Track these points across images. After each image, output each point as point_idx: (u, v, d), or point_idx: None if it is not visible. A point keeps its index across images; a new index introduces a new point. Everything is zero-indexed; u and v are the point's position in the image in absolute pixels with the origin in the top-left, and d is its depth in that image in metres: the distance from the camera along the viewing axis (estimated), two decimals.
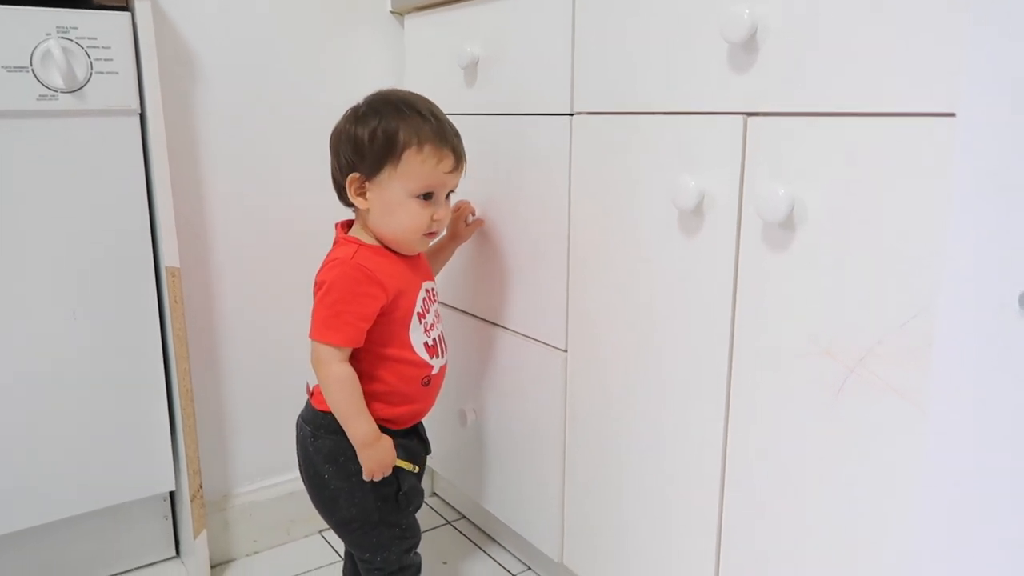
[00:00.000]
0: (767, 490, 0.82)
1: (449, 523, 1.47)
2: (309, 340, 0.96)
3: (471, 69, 1.15)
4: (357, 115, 0.98)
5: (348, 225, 1.03)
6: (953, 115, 0.60)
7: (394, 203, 0.96)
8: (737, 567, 0.87)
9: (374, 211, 0.98)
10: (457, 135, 1.00)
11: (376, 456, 0.98)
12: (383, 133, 0.95)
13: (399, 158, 0.95)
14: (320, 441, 1.00)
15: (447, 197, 1.01)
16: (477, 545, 1.40)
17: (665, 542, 0.95)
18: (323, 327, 0.95)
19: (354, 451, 0.98)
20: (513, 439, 1.20)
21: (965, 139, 0.55)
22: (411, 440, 1.06)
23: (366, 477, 0.98)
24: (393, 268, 0.99)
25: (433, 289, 1.06)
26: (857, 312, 0.71)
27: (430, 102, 1.00)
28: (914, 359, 0.67)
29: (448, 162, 0.97)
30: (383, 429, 1.00)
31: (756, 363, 0.81)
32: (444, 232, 1.13)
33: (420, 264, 1.06)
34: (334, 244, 1.01)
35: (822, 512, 0.76)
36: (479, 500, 1.32)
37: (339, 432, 0.98)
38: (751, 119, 0.77)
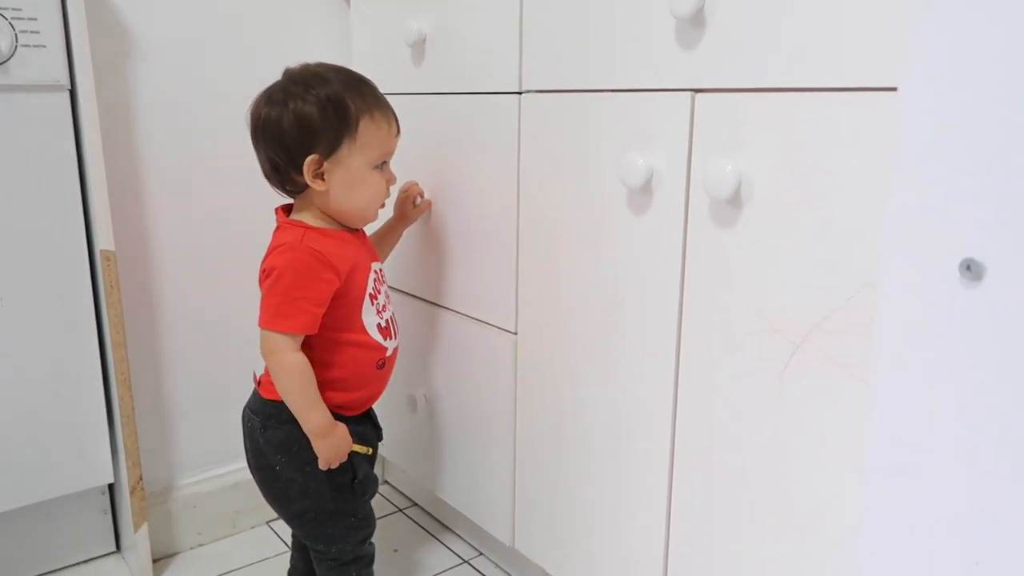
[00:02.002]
0: (717, 468, 0.82)
1: (400, 511, 1.45)
2: (259, 330, 0.93)
3: (418, 47, 1.13)
4: (275, 97, 0.93)
5: (288, 209, 1.00)
6: (894, 89, 0.60)
7: (357, 178, 0.94)
8: (687, 544, 0.87)
9: (334, 190, 0.94)
10: (387, 101, 0.99)
11: (332, 445, 0.95)
12: (333, 106, 0.91)
13: (356, 129, 0.92)
14: (271, 431, 0.97)
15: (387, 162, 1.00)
16: (429, 532, 1.38)
17: (616, 523, 0.95)
18: (275, 315, 0.91)
19: (307, 440, 0.95)
20: (464, 424, 1.19)
21: (907, 112, 0.55)
22: (364, 426, 1.04)
23: (322, 466, 0.96)
24: (343, 249, 0.96)
25: (381, 270, 1.04)
26: (802, 288, 0.71)
27: (345, 68, 0.97)
28: (859, 334, 0.67)
29: (395, 126, 0.97)
30: (336, 416, 0.98)
31: (705, 341, 0.81)
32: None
33: (366, 243, 1.04)
34: (277, 229, 0.98)
35: (771, 489, 0.77)
36: (430, 487, 1.30)
37: (291, 421, 0.95)
38: (699, 95, 0.77)
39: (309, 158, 0.92)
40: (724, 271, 0.78)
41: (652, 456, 0.89)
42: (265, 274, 0.93)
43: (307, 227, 0.95)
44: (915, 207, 0.54)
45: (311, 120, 0.91)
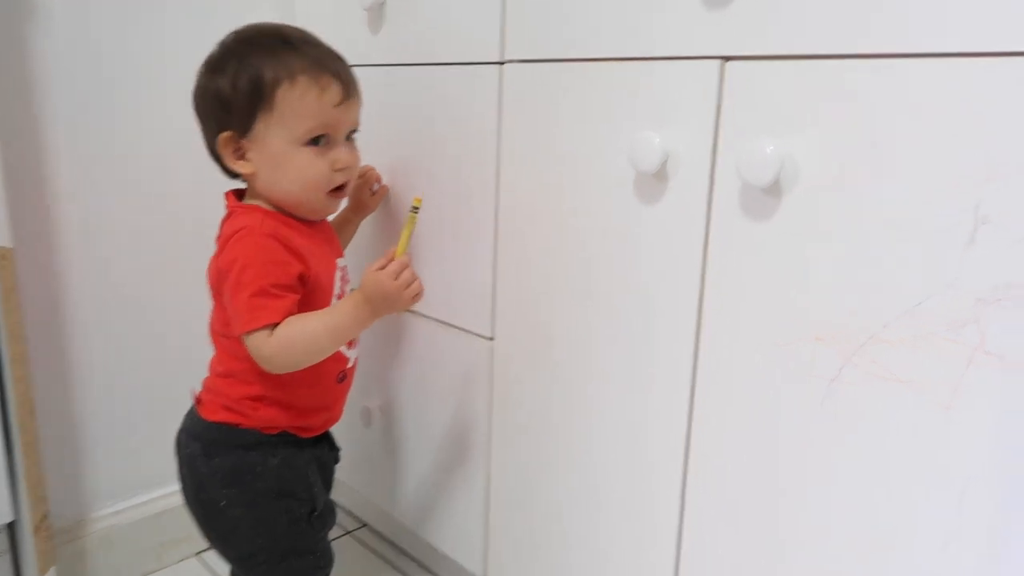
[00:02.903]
0: (741, 498, 0.71)
1: (349, 533, 1.31)
2: (241, 337, 0.77)
3: (376, 11, 0.98)
4: (212, 65, 0.80)
5: (241, 195, 0.85)
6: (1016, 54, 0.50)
7: (280, 157, 0.79)
8: None
9: (261, 173, 0.80)
10: (341, 60, 0.83)
11: (387, 296, 0.78)
12: (245, 76, 0.77)
13: (271, 100, 0.77)
14: (216, 460, 0.82)
15: (350, 139, 0.84)
16: (383, 558, 1.24)
17: (613, 557, 0.84)
18: (251, 312, 0.75)
19: (261, 467, 0.81)
20: (428, 439, 1.05)
21: None
22: (322, 448, 0.90)
23: (408, 305, 0.80)
24: (306, 242, 0.81)
25: (346, 267, 0.90)
26: (855, 292, 0.61)
27: (301, 29, 0.83)
28: (930, 345, 0.57)
29: (333, 92, 0.79)
30: (291, 438, 0.84)
31: (730, 352, 0.70)
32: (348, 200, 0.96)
33: (331, 238, 0.89)
34: (228, 216, 0.83)
35: (807, 527, 0.66)
36: (386, 507, 1.16)
37: (241, 446, 0.81)
38: (729, 64, 0.66)
39: (221, 136, 0.79)
40: (755, 271, 0.67)
41: (661, 483, 0.77)
42: (223, 272, 0.77)
43: (265, 211, 0.81)
44: None
45: (222, 92, 0.78)
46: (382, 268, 0.78)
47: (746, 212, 0.66)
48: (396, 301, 0.78)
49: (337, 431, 0.95)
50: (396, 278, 0.78)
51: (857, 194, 0.60)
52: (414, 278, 0.79)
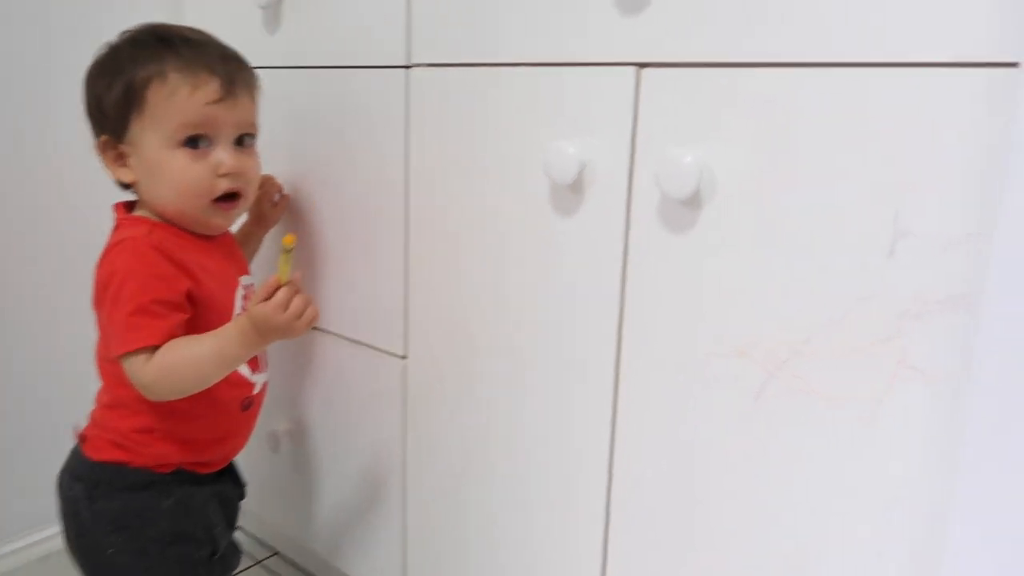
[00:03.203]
0: (665, 516, 0.69)
1: (260, 562, 1.23)
2: (118, 359, 0.70)
3: (272, 10, 0.92)
4: (92, 67, 0.75)
5: (131, 207, 0.78)
6: (949, 65, 0.49)
7: (155, 161, 0.73)
8: None
9: (142, 180, 0.74)
10: (231, 59, 0.77)
11: (275, 328, 0.71)
12: (120, 78, 0.72)
13: (142, 100, 0.71)
14: (100, 503, 0.74)
15: (243, 144, 0.77)
16: None
17: (540, 574, 0.81)
18: (128, 332, 0.69)
19: (151, 512, 0.74)
20: (341, 464, 1.00)
21: None
22: (224, 484, 0.83)
23: (295, 336, 0.73)
24: (200, 257, 0.75)
25: (252, 285, 0.83)
26: (777, 305, 0.59)
27: (196, 30, 0.77)
28: (852, 359, 0.56)
29: (210, 88, 0.73)
30: (188, 476, 0.77)
31: (651, 369, 0.67)
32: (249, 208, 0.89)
33: (233, 254, 0.83)
34: (115, 227, 0.76)
35: (735, 538, 0.65)
36: (298, 535, 1.10)
37: (129, 487, 0.74)
38: (645, 71, 0.63)
39: (98, 141, 0.75)
40: (676, 284, 0.64)
41: (584, 500, 0.74)
42: (102, 285, 0.71)
43: (153, 223, 0.74)
44: None
45: (98, 94, 0.74)
46: (268, 298, 0.71)
47: (665, 224, 0.64)
48: (288, 331, 0.72)
49: (242, 458, 0.88)
50: (285, 309, 0.71)
51: (777, 205, 0.58)
52: (306, 304, 0.72)
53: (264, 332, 0.71)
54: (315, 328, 0.97)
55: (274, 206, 0.94)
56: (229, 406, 0.80)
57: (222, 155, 0.74)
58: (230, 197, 0.76)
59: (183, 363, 0.70)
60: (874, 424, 0.56)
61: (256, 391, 0.83)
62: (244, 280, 0.82)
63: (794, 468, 0.60)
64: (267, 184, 0.92)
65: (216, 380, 0.73)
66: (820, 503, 0.60)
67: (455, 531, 0.87)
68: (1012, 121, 0.44)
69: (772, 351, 0.60)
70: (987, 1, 0.47)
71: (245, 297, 0.81)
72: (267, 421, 1.04)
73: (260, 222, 0.94)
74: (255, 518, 1.25)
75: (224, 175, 0.74)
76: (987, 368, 0.46)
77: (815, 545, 0.60)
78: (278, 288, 0.71)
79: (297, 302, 0.71)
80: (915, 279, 0.53)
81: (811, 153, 0.56)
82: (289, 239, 0.72)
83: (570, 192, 0.69)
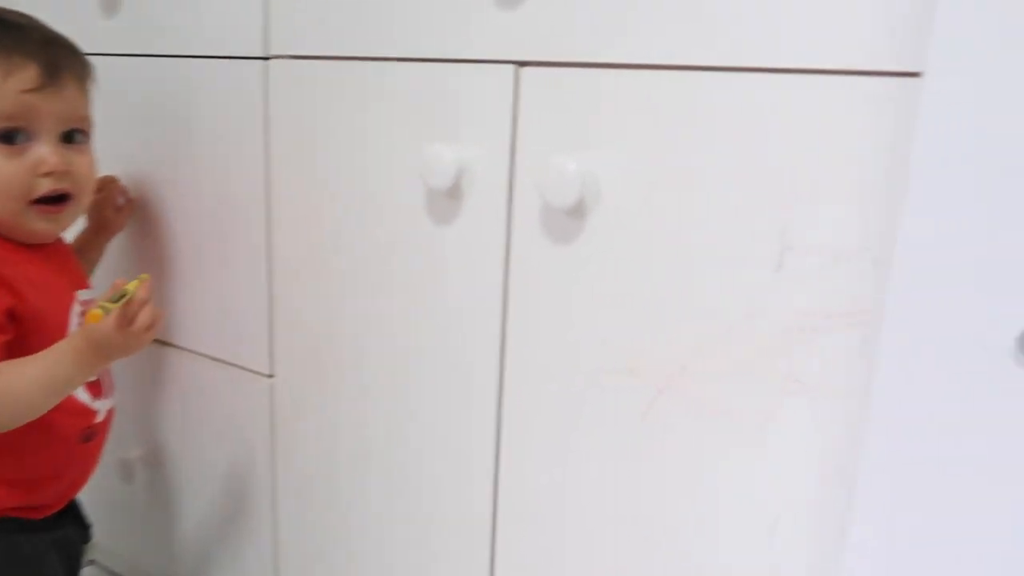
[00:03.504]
0: (552, 541, 0.65)
1: None
2: None
3: None
4: None
5: None
6: (837, 73, 0.47)
7: None
8: None
9: None
10: (56, 43, 0.68)
11: (116, 347, 0.62)
12: None
13: None
14: None
15: (73, 140, 0.68)
16: None
17: None
18: None
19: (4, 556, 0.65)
20: (204, 492, 0.91)
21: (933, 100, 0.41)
22: (64, 528, 0.74)
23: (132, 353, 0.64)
24: (28, 270, 0.66)
25: (93, 300, 0.73)
26: (667, 320, 0.56)
27: (13, 10, 0.67)
28: (741, 376, 0.54)
29: (26, 75, 0.63)
30: (16, 523, 0.68)
31: (534, 383, 0.63)
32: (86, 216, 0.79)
33: (68, 265, 0.73)
34: None
35: (625, 560, 0.62)
36: (157, 567, 1.00)
37: None
38: (524, 70, 0.59)
39: None
40: (561, 298, 0.61)
41: (465, 525, 0.70)
42: None
43: None
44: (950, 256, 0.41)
45: None
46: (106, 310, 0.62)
47: (548, 234, 0.60)
48: (131, 348, 0.63)
49: (89, 490, 0.78)
50: (129, 323, 0.62)
51: (663, 215, 0.55)
52: (154, 318, 0.64)
53: (102, 350, 0.62)
54: (171, 345, 0.88)
55: (118, 211, 0.84)
56: (66, 438, 0.70)
57: (43, 151, 0.65)
58: (56, 200, 0.67)
59: (5, 391, 0.60)
60: (763, 441, 0.54)
61: (99, 419, 0.74)
62: (82, 295, 0.73)
63: (684, 488, 0.58)
64: (109, 187, 0.82)
65: (48, 408, 0.63)
66: (712, 523, 0.58)
67: (333, 557, 0.81)
68: (915, 132, 0.42)
69: (660, 367, 0.57)
70: (886, 9, 0.45)
71: (83, 313, 0.71)
72: (118, 448, 0.94)
73: (102, 229, 0.83)
74: (108, 552, 1.14)
75: (46, 174, 0.65)
76: (885, 385, 0.45)
77: (709, 566, 0.58)
78: (121, 298, 0.62)
79: (144, 316, 0.63)
80: (804, 294, 0.51)
81: (698, 161, 0.53)
82: (131, 283, 0.63)
83: (447, 199, 0.64)
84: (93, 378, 0.70)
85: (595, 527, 0.63)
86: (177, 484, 0.93)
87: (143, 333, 0.63)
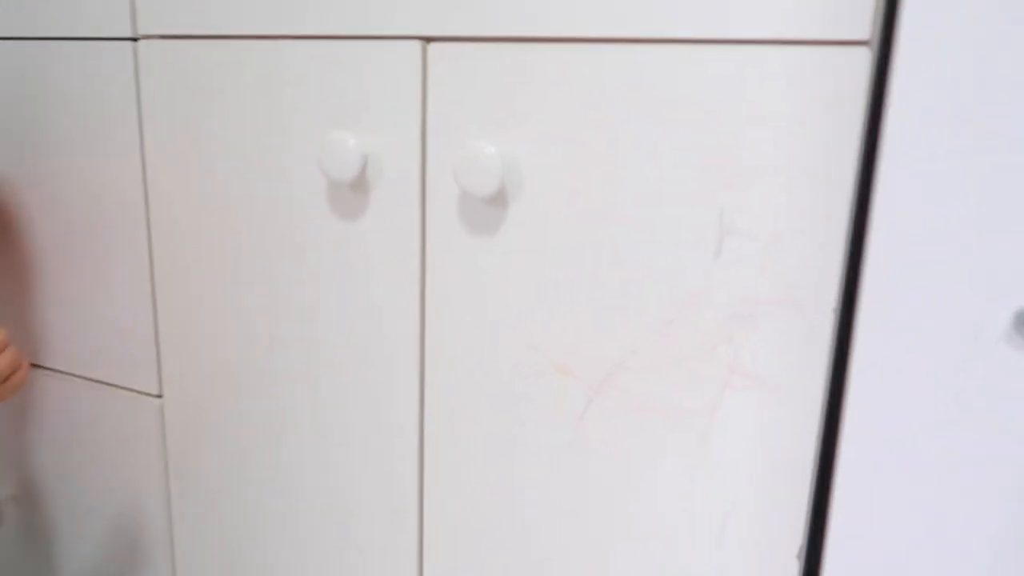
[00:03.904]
0: (484, 560, 0.60)
1: None
2: None
3: None
4: None
5: None
6: (772, 43, 0.44)
7: None
8: None
9: None
10: None
11: None
12: None
13: None
14: None
15: None
16: None
17: None
18: None
19: None
20: (89, 530, 0.81)
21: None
22: None
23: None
24: None
25: None
26: (601, 315, 0.52)
27: None
28: (682, 370, 0.51)
29: None
30: None
31: (458, 389, 0.58)
32: None
33: None
34: None
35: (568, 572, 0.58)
36: None
37: None
38: (432, 46, 0.53)
39: None
40: (484, 295, 0.56)
41: (388, 547, 0.64)
42: None
43: None
44: (931, 226, 0.37)
45: None
46: None
47: (467, 225, 0.55)
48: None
49: None
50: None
51: (593, 201, 0.51)
52: (14, 365, 0.55)
53: None
54: (42, 368, 0.78)
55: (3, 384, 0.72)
56: None
57: None
58: None
59: None
60: (709, 437, 0.51)
61: None
62: None
63: (627, 494, 0.54)
64: None
65: None
66: (656, 529, 0.54)
67: None
68: (888, 106, 0.39)
69: (595, 364, 0.53)
70: None
71: None
72: None
73: None
74: None
75: None
76: (859, 378, 0.42)
77: (658, 568, 0.55)
78: None
79: (3, 362, 0.54)
80: (745, 280, 0.48)
81: (628, 142, 0.49)
82: None
83: (352, 191, 0.58)
84: None
85: (534, 540, 0.58)
86: (56, 524, 0.83)
87: (2, 383, 0.54)
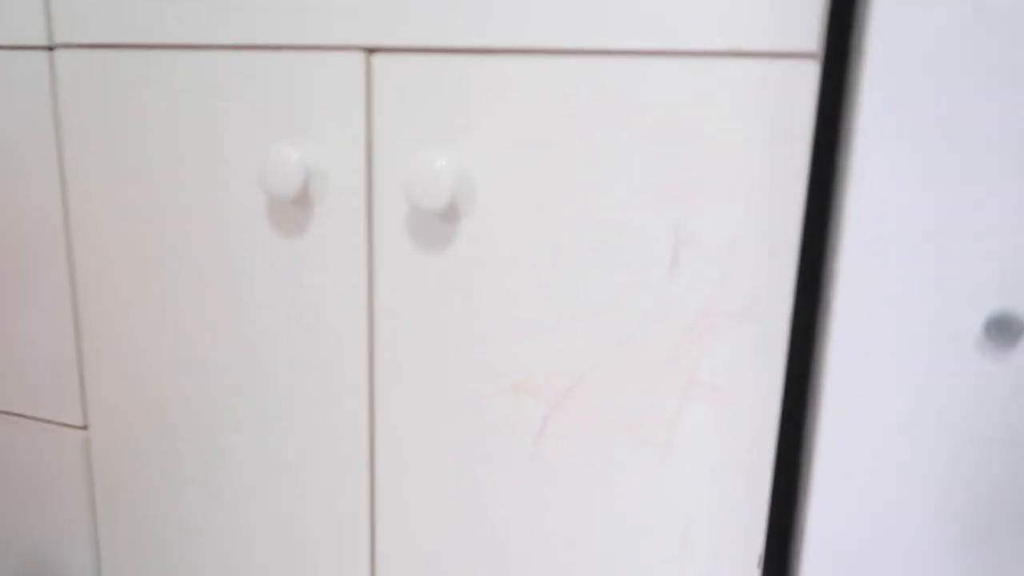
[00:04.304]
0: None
1: None
2: None
3: None
4: None
5: None
6: (723, 54, 0.43)
7: None
8: None
9: None
10: None
11: None
12: None
13: None
14: None
15: None
16: None
17: None
18: None
19: None
20: (7, 568, 0.76)
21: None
22: None
23: None
24: None
25: None
26: (557, 330, 0.51)
27: None
28: (641, 384, 0.50)
29: None
30: None
31: (409, 412, 0.56)
32: None
33: None
34: None
35: None
36: None
37: None
38: (376, 57, 0.51)
39: None
40: (435, 313, 0.54)
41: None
42: None
43: None
44: (906, 228, 0.37)
45: None
46: None
47: (417, 241, 0.53)
48: None
49: None
50: None
51: (547, 214, 0.50)
52: None
53: None
54: None
55: None
56: None
57: None
58: None
59: None
60: (669, 448, 0.51)
61: None
62: None
63: (589, 508, 0.53)
64: None
65: None
66: (618, 541, 0.53)
67: None
68: (857, 110, 0.39)
69: (552, 382, 0.52)
70: None
71: None
72: None
73: None
74: None
75: None
76: (834, 383, 0.42)
77: None
78: None
79: None
80: (702, 291, 0.48)
81: (582, 154, 0.48)
82: None
83: (294, 208, 0.55)
84: None
85: (495, 555, 0.56)
86: None
87: None
